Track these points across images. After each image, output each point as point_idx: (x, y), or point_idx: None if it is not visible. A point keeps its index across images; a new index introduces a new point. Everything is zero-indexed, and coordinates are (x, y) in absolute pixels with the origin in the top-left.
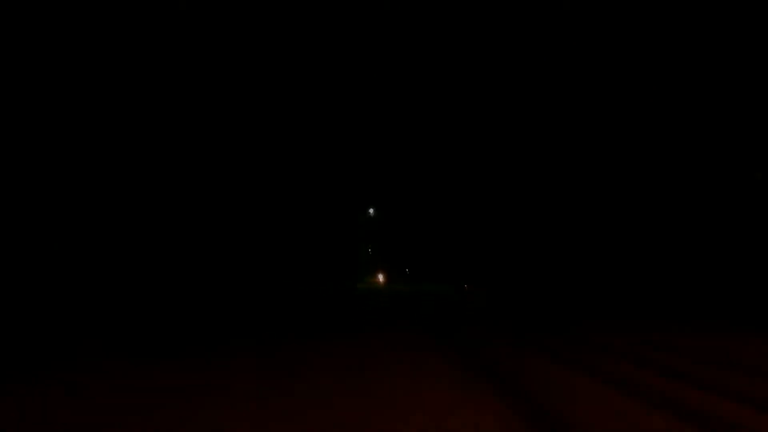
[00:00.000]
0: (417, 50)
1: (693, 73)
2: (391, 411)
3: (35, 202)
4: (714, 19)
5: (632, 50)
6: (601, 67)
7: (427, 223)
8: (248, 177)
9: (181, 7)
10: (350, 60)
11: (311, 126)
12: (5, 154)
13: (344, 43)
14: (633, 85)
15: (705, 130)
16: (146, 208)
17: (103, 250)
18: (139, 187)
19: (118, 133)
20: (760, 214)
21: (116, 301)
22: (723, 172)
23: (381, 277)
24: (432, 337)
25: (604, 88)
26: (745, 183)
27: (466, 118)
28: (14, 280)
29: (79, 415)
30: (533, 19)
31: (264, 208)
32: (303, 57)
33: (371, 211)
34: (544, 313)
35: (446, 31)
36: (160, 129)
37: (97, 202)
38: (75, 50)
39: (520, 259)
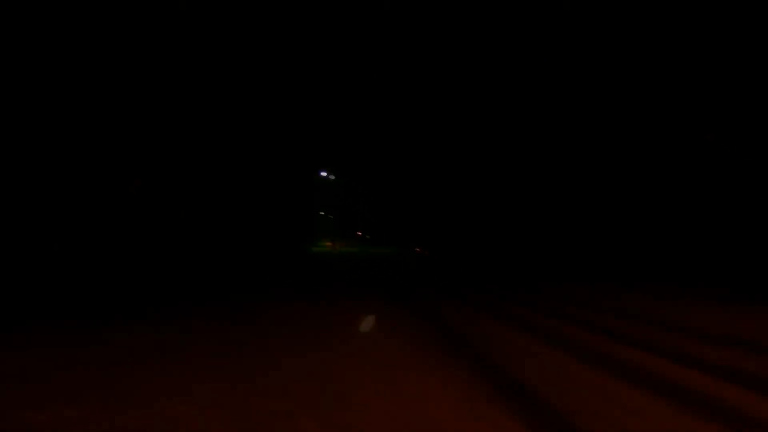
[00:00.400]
0: (375, 13)
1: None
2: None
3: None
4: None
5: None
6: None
7: (383, 188)
8: (204, 136)
9: None
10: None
11: (270, 85)
12: None
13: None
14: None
15: (651, 93)
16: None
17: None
18: (84, 151)
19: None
20: (713, 179)
21: (72, 267)
22: (674, 135)
23: (337, 241)
24: (381, 293)
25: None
26: (696, 146)
27: (424, 85)
28: None
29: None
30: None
31: (218, 173)
32: (263, 15)
33: (328, 175)
34: (483, 274)
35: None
36: (110, 95)
37: (51, 173)
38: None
39: (474, 225)
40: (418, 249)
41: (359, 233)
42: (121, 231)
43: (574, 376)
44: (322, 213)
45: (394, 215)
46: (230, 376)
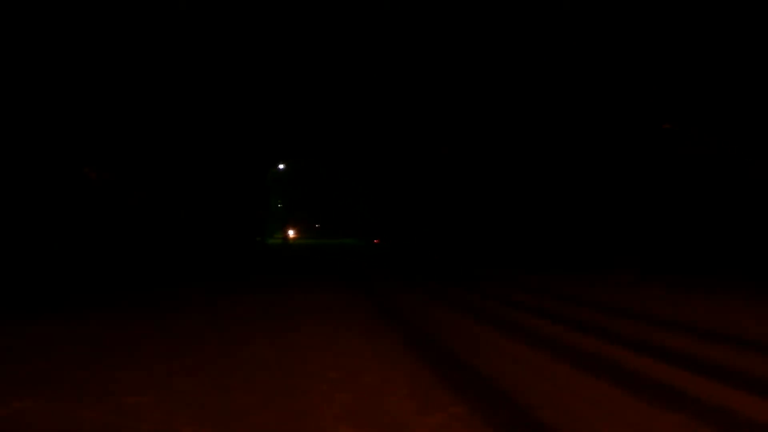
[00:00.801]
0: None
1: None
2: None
3: None
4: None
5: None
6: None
7: (337, 178)
8: (154, 123)
9: None
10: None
11: (220, 74)
12: None
13: None
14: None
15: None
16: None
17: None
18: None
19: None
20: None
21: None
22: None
23: (292, 233)
24: (338, 279)
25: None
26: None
27: (375, 72)
28: None
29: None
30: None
31: (168, 165)
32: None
33: (281, 165)
34: (439, 264)
35: None
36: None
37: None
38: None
39: (431, 216)
40: (376, 240)
41: (317, 225)
42: (72, 224)
43: (479, 336)
44: (279, 205)
45: (355, 206)
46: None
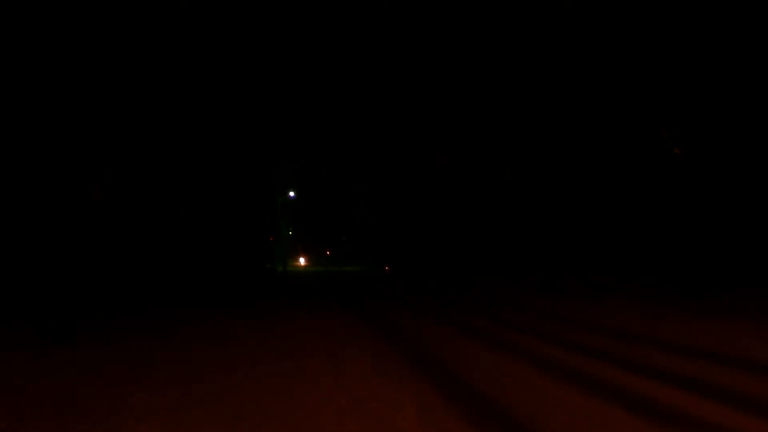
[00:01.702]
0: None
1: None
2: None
3: None
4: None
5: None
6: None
7: (347, 205)
8: (170, 159)
9: None
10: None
11: (230, 106)
12: None
13: (256, 18)
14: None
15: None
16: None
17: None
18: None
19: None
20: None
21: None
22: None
23: (302, 260)
24: (346, 306)
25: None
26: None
27: (383, 103)
28: None
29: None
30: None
31: (184, 195)
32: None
33: (291, 193)
34: (454, 290)
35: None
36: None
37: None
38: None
39: (439, 241)
40: (387, 267)
41: (328, 252)
42: (85, 238)
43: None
44: (291, 233)
45: (362, 232)
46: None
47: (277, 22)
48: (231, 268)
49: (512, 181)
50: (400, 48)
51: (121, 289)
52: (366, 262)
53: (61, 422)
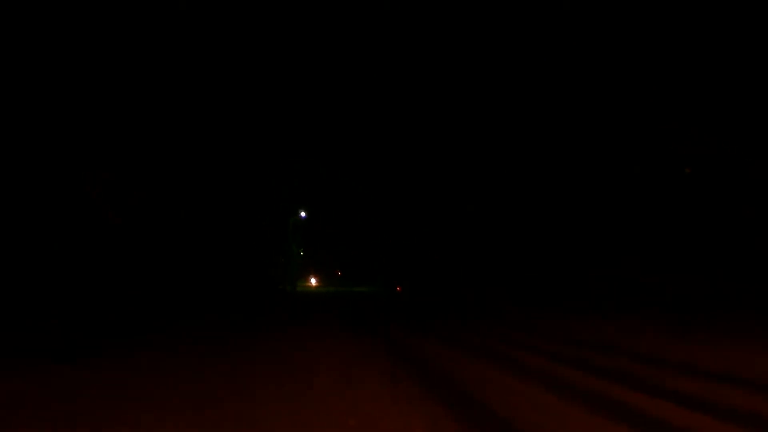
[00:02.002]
0: (345, 53)
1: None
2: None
3: None
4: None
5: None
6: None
7: (358, 226)
8: (176, 175)
9: None
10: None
11: (241, 125)
12: None
13: (267, 44)
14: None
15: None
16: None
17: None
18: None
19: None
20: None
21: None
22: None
23: (313, 280)
24: (356, 326)
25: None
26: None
27: (393, 125)
28: None
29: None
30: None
31: (192, 216)
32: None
33: (302, 213)
34: (463, 310)
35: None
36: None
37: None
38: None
39: (448, 262)
40: (398, 288)
41: (339, 273)
42: (100, 256)
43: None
44: (301, 253)
45: (373, 253)
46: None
47: (297, 37)
48: (241, 288)
49: (515, 203)
50: (407, 73)
51: (127, 304)
52: (377, 283)
53: None
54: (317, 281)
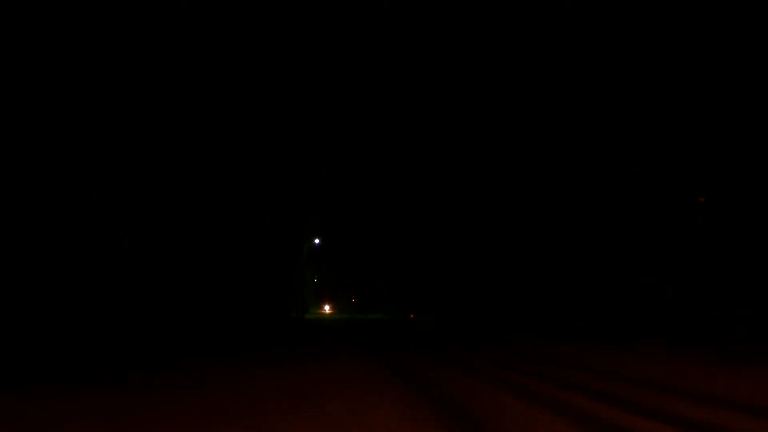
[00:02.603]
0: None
1: None
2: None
3: None
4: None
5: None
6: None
7: (372, 253)
8: (188, 200)
9: None
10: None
11: (257, 153)
12: None
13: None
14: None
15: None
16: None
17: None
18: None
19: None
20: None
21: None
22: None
23: (327, 308)
24: (370, 352)
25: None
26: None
27: (405, 152)
28: None
29: None
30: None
31: (205, 241)
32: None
33: (316, 240)
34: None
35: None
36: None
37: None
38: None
39: (464, 289)
40: (411, 315)
41: (353, 300)
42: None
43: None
44: (315, 280)
45: (387, 281)
46: None
47: (309, 58)
48: (254, 314)
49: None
50: (422, 96)
51: (136, 327)
52: (391, 310)
53: None
54: (331, 308)
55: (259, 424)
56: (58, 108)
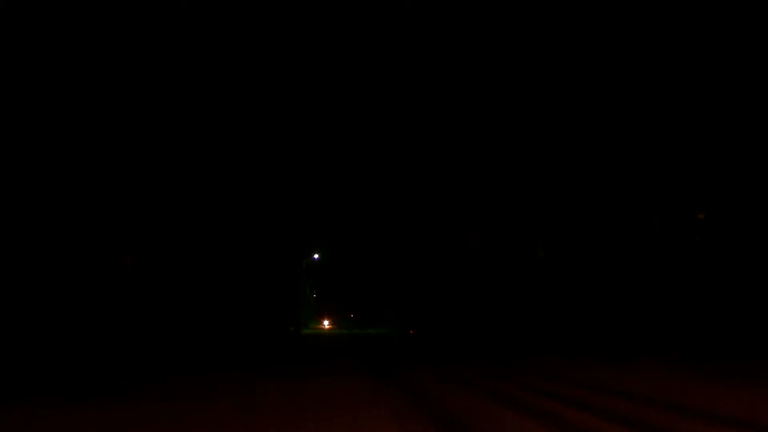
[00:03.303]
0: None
1: None
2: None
3: None
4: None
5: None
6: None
7: (371, 268)
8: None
9: None
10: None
11: (254, 167)
12: None
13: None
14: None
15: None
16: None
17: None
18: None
19: None
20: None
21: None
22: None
23: (326, 323)
24: (369, 368)
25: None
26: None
27: (404, 168)
28: None
29: None
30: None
31: (202, 257)
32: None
33: (315, 255)
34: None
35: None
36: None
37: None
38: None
39: (462, 305)
40: (411, 331)
41: (352, 315)
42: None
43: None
44: (315, 295)
45: (386, 295)
46: None
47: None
48: (251, 329)
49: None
50: (435, 113)
51: (136, 342)
52: (390, 325)
53: None
54: (330, 323)
55: None
56: (58, 112)
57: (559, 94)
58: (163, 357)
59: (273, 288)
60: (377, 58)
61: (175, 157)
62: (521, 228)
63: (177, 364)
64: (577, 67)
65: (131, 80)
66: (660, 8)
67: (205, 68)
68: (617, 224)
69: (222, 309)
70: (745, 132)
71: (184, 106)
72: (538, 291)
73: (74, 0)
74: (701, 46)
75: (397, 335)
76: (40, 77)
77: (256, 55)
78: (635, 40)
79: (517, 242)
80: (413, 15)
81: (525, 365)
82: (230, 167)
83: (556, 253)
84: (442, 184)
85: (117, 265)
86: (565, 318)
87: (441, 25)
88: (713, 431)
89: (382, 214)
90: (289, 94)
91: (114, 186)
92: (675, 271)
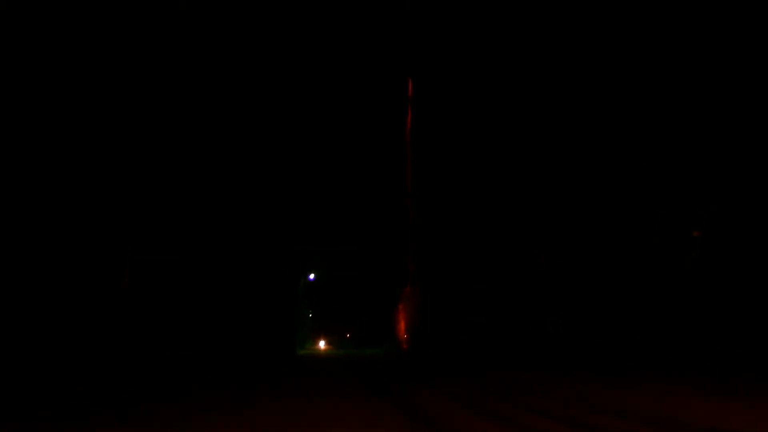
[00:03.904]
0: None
1: None
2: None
3: None
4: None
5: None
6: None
7: (367, 287)
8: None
9: None
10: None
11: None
12: None
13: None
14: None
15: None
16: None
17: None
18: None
19: None
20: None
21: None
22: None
23: (322, 343)
24: (366, 387)
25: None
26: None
27: (399, 185)
28: None
29: None
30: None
31: (195, 275)
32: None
33: (311, 276)
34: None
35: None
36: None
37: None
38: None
39: (459, 318)
40: (405, 346)
41: (348, 335)
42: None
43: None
44: (310, 315)
45: (379, 313)
46: None
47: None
48: (248, 350)
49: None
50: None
51: (129, 355)
52: (386, 345)
53: None
54: (326, 344)
55: None
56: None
57: (558, 94)
58: (157, 377)
59: (272, 308)
60: (370, 65)
61: (175, 157)
62: (520, 235)
63: (173, 388)
64: (576, 67)
65: (131, 80)
66: (660, 8)
67: (205, 68)
68: (617, 224)
69: (220, 327)
70: (745, 132)
71: (184, 105)
72: (540, 300)
73: (74, 0)
74: (701, 45)
75: (393, 354)
76: (40, 77)
77: (256, 57)
78: (635, 39)
79: (516, 250)
80: (414, 15)
81: (525, 383)
82: (230, 172)
83: (557, 258)
84: (441, 189)
85: (114, 275)
86: (564, 323)
87: (441, 25)
88: None
89: (378, 232)
90: (287, 105)
91: (114, 186)
92: (675, 271)
